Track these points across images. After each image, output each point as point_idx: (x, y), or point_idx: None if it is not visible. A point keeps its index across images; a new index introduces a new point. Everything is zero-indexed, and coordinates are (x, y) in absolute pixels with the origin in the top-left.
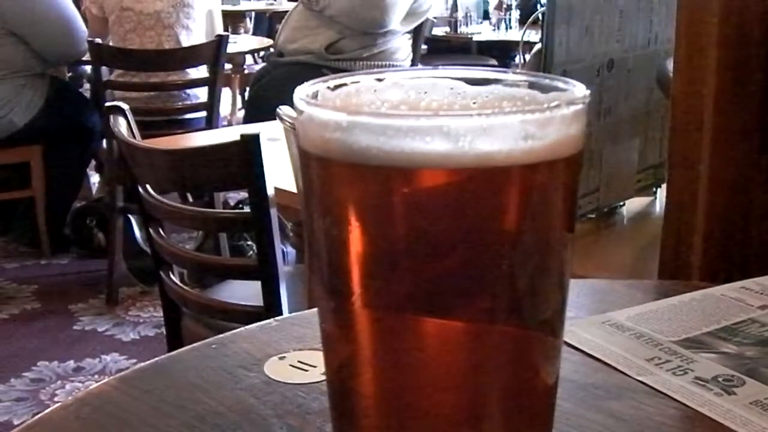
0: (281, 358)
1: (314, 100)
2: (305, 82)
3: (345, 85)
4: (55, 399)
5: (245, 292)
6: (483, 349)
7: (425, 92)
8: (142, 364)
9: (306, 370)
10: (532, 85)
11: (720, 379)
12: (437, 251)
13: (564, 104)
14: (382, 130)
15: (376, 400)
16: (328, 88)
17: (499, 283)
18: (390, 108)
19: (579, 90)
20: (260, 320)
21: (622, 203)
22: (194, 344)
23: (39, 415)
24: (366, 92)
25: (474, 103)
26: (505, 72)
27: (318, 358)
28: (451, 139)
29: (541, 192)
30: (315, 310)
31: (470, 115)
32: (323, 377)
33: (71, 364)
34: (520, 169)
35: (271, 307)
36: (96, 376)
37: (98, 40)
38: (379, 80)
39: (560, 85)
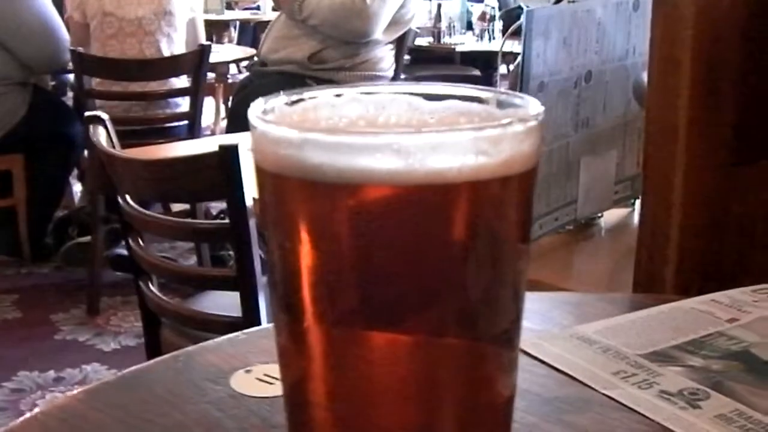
0: (247, 372)
1: (267, 117)
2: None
3: (303, 100)
4: (35, 409)
5: (225, 302)
6: (436, 362)
7: (383, 107)
8: (108, 377)
9: (271, 383)
10: (489, 101)
11: (685, 393)
12: (387, 266)
13: (517, 121)
14: (333, 147)
15: (329, 413)
16: (286, 103)
17: (450, 297)
18: (348, 123)
19: (533, 107)
20: (238, 330)
21: (599, 214)
22: (161, 357)
23: (2, 429)
24: (324, 107)
25: (431, 118)
26: (462, 87)
27: None
28: (402, 156)
29: (493, 208)
30: None
31: (421, 132)
32: None
33: (52, 374)
34: (472, 186)
35: (249, 318)
36: (77, 387)
37: (80, 49)
38: (338, 95)
39: (517, 101)
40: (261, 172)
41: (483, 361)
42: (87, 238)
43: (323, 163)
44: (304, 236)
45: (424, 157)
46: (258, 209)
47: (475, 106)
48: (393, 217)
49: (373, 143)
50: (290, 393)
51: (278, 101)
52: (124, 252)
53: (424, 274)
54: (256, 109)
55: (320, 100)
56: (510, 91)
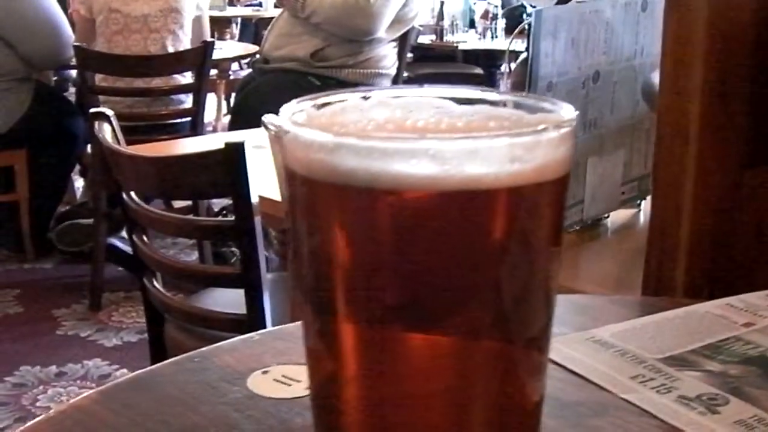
0: (264, 373)
1: (300, 120)
2: (290, 92)
3: (330, 103)
4: (37, 404)
5: (228, 299)
6: (468, 367)
7: (411, 111)
8: (123, 377)
9: (289, 385)
10: (518, 105)
11: (704, 398)
12: (422, 271)
13: (552, 127)
14: (367, 152)
15: (360, 416)
16: (314, 106)
17: (484, 301)
18: (376, 127)
19: (566, 111)
20: (243, 328)
21: (606, 215)
22: (175, 358)
23: (18, 430)
24: (352, 111)
25: (460, 122)
26: (491, 91)
27: (301, 373)
28: (438, 162)
29: (528, 214)
30: (298, 323)
31: (457, 138)
32: (307, 392)
33: (53, 369)
34: (507, 192)
35: (253, 316)
36: (78, 382)
37: (84, 45)
38: (365, 98)
39: (547, 105)
40: (291, 175)
41: (515, 364)
42: (89, 221)
43: (356, 167)
44: (336, 240)
45: (460, 163)
46: (263, 207)
47: (504, 110)
48: (427, 223)
49: (408, 148)
50: (319, 394)
51: (307, 104)
52: (118, 243)
53: (458, 279)
54: (287, 112)
55: (348, 103)
56: (538, 96)
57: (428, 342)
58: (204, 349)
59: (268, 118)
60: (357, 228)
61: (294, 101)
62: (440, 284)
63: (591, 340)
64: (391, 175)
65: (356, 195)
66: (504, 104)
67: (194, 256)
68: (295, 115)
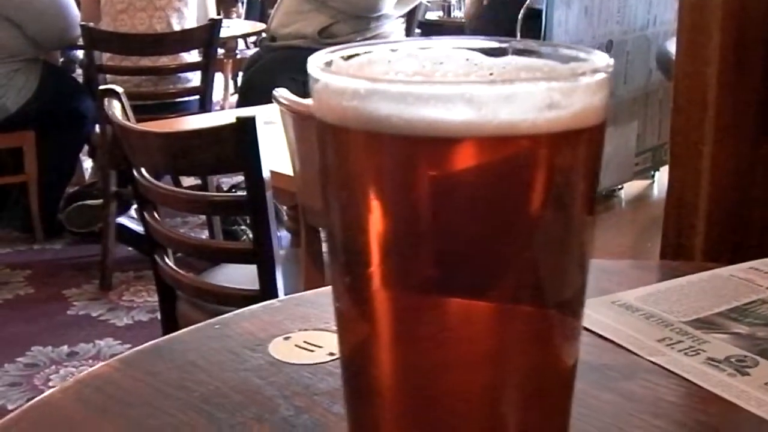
0: (286, 339)
1: (330, 68)
2: (298, 70)
3: (358, 55)
4: (50, 384)
5: (240, 276)
6: (503, 329)
7: (441, 63)
8: (143, 345)
9: (312, 351)
10: (550, 56)
11: (733, 360)
12: (458, 223)
13: (589, 72)
14: (402, 98)
15: (392, 379)
16: (342, 57)
17: (520, 260)
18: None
19: (601, 59)
20: (255, 304)
21: (620, 186)
22: (196, 325)
23: (38, 397)
24: (379, 62)
25: (491, 74)
26: (523, 42)
27: (323, 339)
28: (474, 107)
29: (565, 163)
30: (318, 290)
31: (494, 82)
32: (330, 357)
33: (65, 349)
34: (544, 139)
35: (266, 291)
36: (90, 361)
37: (91, 24)
38: (393, 51)
39: (581, 55)
40: (321, 126)
41: (550, 328)
42: (97, 202)
43: (391, 114)
44: (368, 190)
45: (497, 108)
46: (274, 181)
47: (536, 60)
48: (464, 170)
49: (444, 93)
50: (350, 359)
51: (334, 55)
52: (127, 222)
53: (494, 231)
54: (317, 61)
55: (375, 55)
56: (572, 45)
57: (462, 304)
58: (224, 316)
59: (279, 92)
60: (391, 177)
61: (321, 52)
62: (476, 238)
63: (616, 303)
64: (426, 121)
65: (390, 142)
66: (536, 55)
67: (204, 235)
68: (324, 64)
